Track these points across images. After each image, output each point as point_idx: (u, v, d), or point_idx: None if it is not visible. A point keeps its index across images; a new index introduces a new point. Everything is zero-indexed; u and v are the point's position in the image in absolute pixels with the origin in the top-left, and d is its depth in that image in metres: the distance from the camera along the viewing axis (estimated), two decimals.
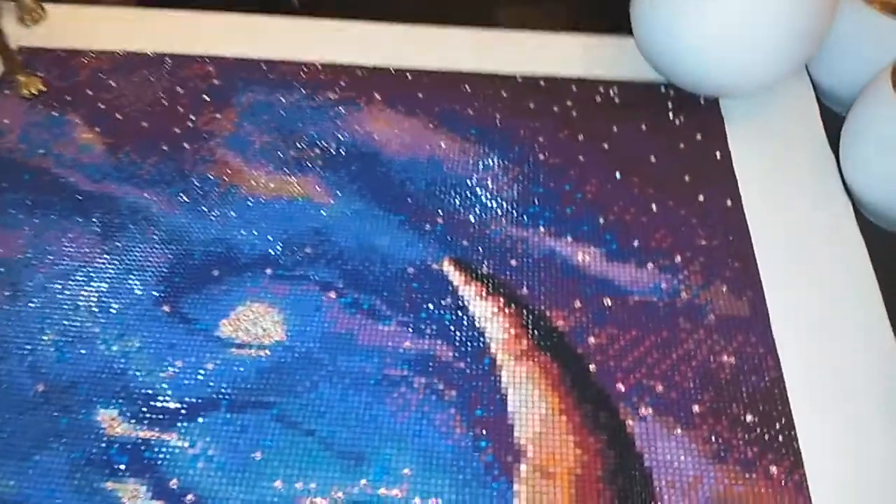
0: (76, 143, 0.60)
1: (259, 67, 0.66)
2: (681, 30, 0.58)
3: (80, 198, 0.56)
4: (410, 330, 0.50)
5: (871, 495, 0.43)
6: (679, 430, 0.46)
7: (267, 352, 0.49)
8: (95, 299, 0.51)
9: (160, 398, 0.46)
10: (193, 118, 0.62)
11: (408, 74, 0.66)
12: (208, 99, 0.63)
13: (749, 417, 0.46)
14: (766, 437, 0.45)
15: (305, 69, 0.66)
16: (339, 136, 0.61)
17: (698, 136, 0.62)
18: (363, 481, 0.43)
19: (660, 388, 0.47)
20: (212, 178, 0.58)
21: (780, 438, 0.45)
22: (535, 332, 0.50)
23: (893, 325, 0.50)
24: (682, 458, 0.44)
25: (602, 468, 0.44)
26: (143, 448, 0.44)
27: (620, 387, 0.47)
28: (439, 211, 0.56)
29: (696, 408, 0.47)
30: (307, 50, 0.68)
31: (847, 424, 0.46)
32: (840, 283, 0.53)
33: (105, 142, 0.60)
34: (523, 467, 0.44)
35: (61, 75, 0.65)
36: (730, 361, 0.49)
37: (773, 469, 0.44)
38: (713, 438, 0.45)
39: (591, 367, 0.48)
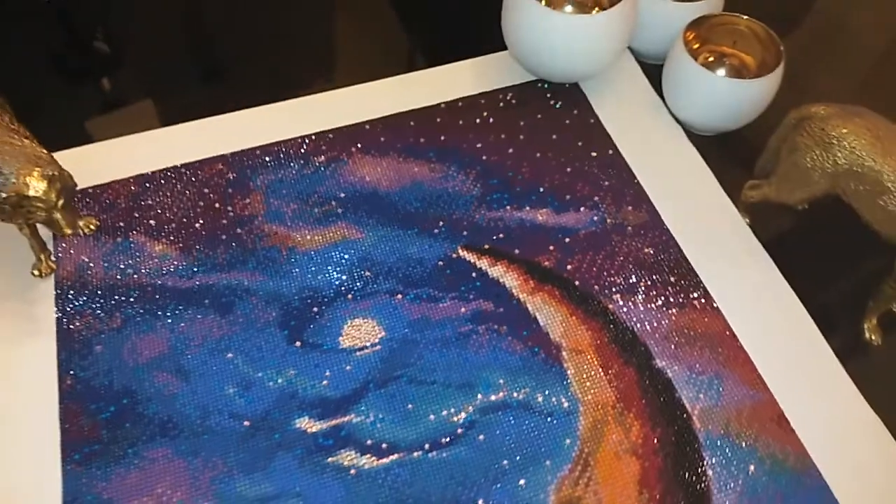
0: (154, 256, 0.78)
1: (255, 154, 0.86)
2: (541, 41, 0.85)
3: (184, 294, 0.76)
4: (459, 301, 0.75)
5: (761, 299, 0.76)
6: (638, 298, 0.75)
7: (378, 346, 0.73)
8: (243, 356, 0.72)
9: (328, 398, 0.69)
10: (230, 209, 0.82)
11: (366, 125, 0.89)
12: (232, 191, 0.83)
13: (672, 278, 0.77)
14: (684, 283, 0.76)
15: (290, 145, 0.87)
16: (341, 187, 0.84)
17: (575, 112, 0.90)
18: (479, 396, 0.70)
19: (618, 279, 0.77)
20: (271, 247, 0.79)
21: (693, 282, 0.77)
22: (534, 274, 0.77)
23: (722, 183, 0.83)
24: (646, 312, 0.74)
25: (608, 337, 0.73)
26: (338, 430, 0.67)
27: (596, 287, 0.76)
28: (437, 217, 0.81)
29: (642, 283, 0.76)
30: (281, 131, 0.88)
31: (727, 260, 0.78)
32: (689, 176, 0.84)
33: (175, 247, 0.79)
34: (564, 353, 0.72)
35: (104, 208, 0.81)
36: (649, 251, 0.79)
37: (696, 302, 0.75)
38: (657, 295, 0.75)
39: (576, 282, 0.77)
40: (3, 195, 0.63)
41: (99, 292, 0.75)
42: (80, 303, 0.75)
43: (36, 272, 0.76)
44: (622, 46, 0.88)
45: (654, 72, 0.92)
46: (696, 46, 0.87)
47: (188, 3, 1.05)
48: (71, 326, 0.73)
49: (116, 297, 0.75)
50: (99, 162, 0.85)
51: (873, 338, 0.74)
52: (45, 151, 0.67)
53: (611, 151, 0.87)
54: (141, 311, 0.74)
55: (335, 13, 1.07)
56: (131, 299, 0.75)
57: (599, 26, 0.84)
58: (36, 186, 0.63)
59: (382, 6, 1.05)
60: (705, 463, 0.66)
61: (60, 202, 0.64)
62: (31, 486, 0.65)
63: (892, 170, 0.66)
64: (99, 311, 0.74)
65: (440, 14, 1.04)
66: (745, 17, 0.85)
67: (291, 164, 0.85)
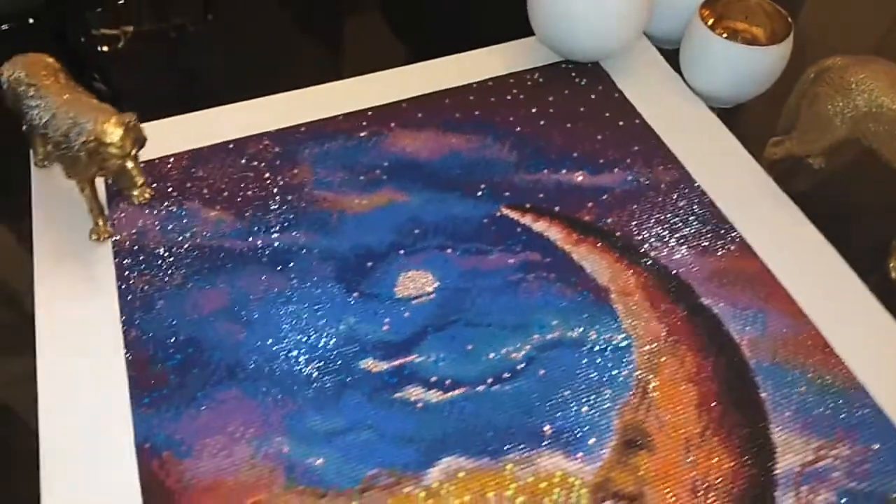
0: (209, 221, 0.81)
1: (299, 130, 0.90)
2: (568, 22, 0.91)
3: (241, 254, 0.78)
4: (507, 253, 0.78)
5: (793, 244, 0.80)
6: (677, 246, 0.79)
7: (433, 295, 0.75)
8: (303, 307, 0.74)
9: (390, 342, 0.71)
10: (279, 178, 0.85)
11: (402, 104, 0.93)
12: (279, 163, 0.86)
13: (708, 227, 0.81)
14: (720, 232, 0.80)
15: (330, 123, 0.91)
16: (385, 157, 0.87)
17: (599, 88, 0.96)
18: (535, 335, 0.72)
19: (656, 230, 0.80)
20: (322, 211, 0.82)
21: (728, 231, 0.80)
22: (576, 228, 0.81)
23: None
24: (687, 258, 0.78)
25: (653, 280, 0.76)
26: (401, 369, 0.69)
27: (637, 237, 0.80)
28: (479, 181, 0.85)
29: (679, 233, 0.80)
30: (321, 111, 0.92)
31: (757, 212, 0.82)
32: (714, 141, 0.89)
33: (229, 213, 0.81)
34: (612, 295, 0.75)
35: (157, 179, 0.84)
36: (682, 204, 0.83)
37: (732, 247, 0.79)
38: (696, 243, 0.79)
39: (617, 233, 0.80)
40: (82, 139, 0.65)
41: (156, 254, 0.77)
42: (139, 264, 0.76)
43: (94, 236, 0.77)
44: (642, 25, 0.94)
45: (667, 55, 0.99)
46: (710, 23, 0.93)
47: None
48: (131, 285, 0.75)
49: (174, 258, 0.77)
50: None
51: None
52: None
53: (637, 121, 0.92)
54: (199, 269, 0.76)
55: (365, 11, 1.13)
56: (189, 259, 0.77)
57: (622, 3, 0.90)
58: (113, 132, 0.65)
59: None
60: (758, 387, 0.69)
61: (134, 151, 0.67)
62: (104, 431, 0.65)
63: None
64: (158, 271, 0.76)
65: (469, 4, 1.10)
66: None
67: (334, 139, 0.89)
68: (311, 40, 1.05)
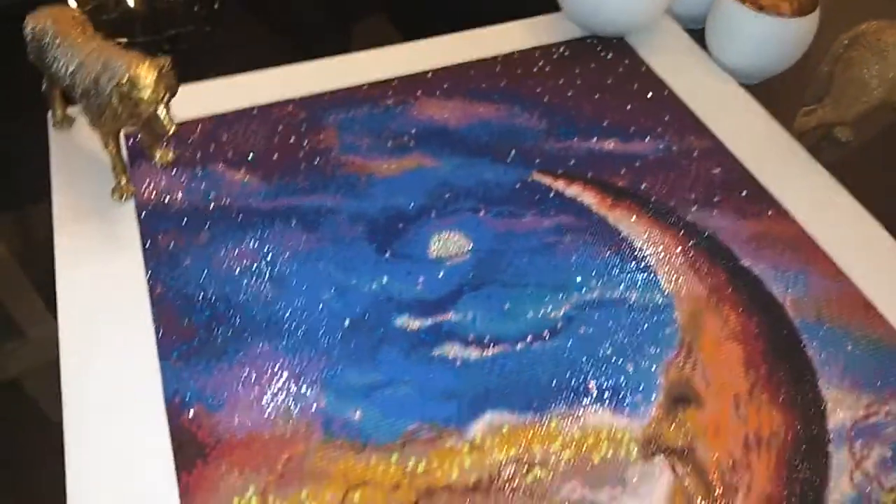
0: (235, 183, 0.78)
1: (324, 98, 0.88)
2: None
3: (269, 214, 0.76)
4: (541, 216, 0.77)
5: (828, 209, 0.79)
6: (714, 211, 0.78)
7: (467, 256, 0.73)
8: (335, 265, 0.71)
9: (425, 300, 0.69)
10: (305, 142, 0.83)
11: (428, 74, 0.92)
12: (305, 127, 0.84)
13: (744, 193, 0.79)
14: (756, 197, 0.79)
15: (356, 91, 0.89)
16: (412, 124, 0.86)
17: (626, 61, 0.95)
18: (574, 295, 0.70)
19: (692, 195, 0.79)
20: (350, 174, 0.80)
21: (764, 196, 0.79)
22: (610, 192, 0.79)
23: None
24: (724, 221, 0.76)
25: (691, 242, 0.75)
26: (438, 327, 0.67)
27: (672, 202, 0.79)
28: (509, 147, 0.84)
29: (715, 198, 0.79)
30: (346, 80, 0.91)
31: (791, 179, 0.81)
32: (744, 112, 0.88)
33: (255, 175, 0.79)
34: (651, 257, 0.73)
35: (180, 143, 0.82)
36: (717, 171, 0.82)
37: (770, 211, 0.78)
38: (732, 208, 0.78)
39: (652, 198, 0.79)
40: (115, 82, 0.63)
41: (181, 213, 0.75)
42: (164, 223, 0.74)
43: (117, 195, 0.75)
44: (666, 3, 0.94)
45: (692, 35, 0.98)
46: None
47: None
48: (156, 244, 0.72)
49: (200, 218, 0.75)
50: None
51: None
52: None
53: (666, 93, 0.91)
54: (226, 229, 0.74)
55: None
56: (215, 219, 0.75)
57: None
58: (147, 75, 0.63)
59: None
60: (804, 345, 0.67)
61: (166, 97, 0.65)
62: (130, 387, 0.62)
63: None
64: (183, 230, 0.74)
65: None
66: None
67: (360, 106, 0.87)
68: (334, 12, 1.04)
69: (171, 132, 0.66)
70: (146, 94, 0.64)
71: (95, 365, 0.64)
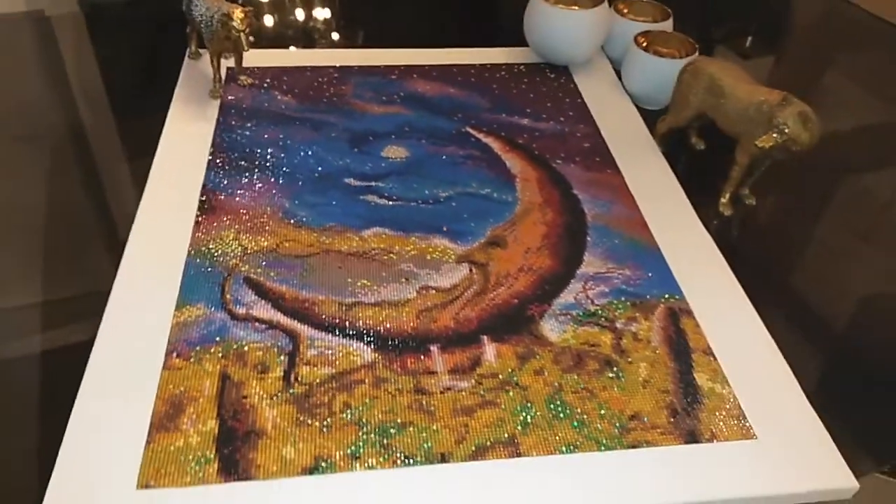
0: (281, 101, 1.27)
1: (353, 69, 1.37)
2: (549, 37, 1.34)
3: (295, 119, 1.23)
4: (459, 148, 1.19)
5: (651, 178, 1.16)
6: (571, 164, 1.17)
7: (404, 159, 1.16)
8: (323, 149, 1.17)
9: (366, 174, 1.13)
10: (332, 89, 1.31)
11: (424, 66, 1.38)
12: (336, 82, 1.33)
13: (598, 159, 1.18)
14: (605, 163, 1.18)
15: (375, 68, 1.37)
16: (403, 91, 1.32)
17: (562, 80, 1.38)
18: (458, 188, 1.11)
19: (562, 155, 1.19)
20: (353, 110, 1.26)
21: (611, 163, 1.18)
22: (510, 144, 1.21)
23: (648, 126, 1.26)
24: (575, 170, 1.16)
25: (547, 176, 1.14)
26: (369, 188, 1.10)
27: (548, 155, 1.19)
28: (457, 111, 1.27)
29: (578, 158, 1.18)
30: (372, 61, 1.39)
31: (635, 158, 1.19)
32: (626, 120, 1.27)
33: (295, 98, 1.28)
34: (517, 178, 1.14)
35: (255, 76, 1.32)
36: (586, 146, 1.21)
37: (609, 170, 1.16)
38: (586, 165, 1.17)
39: (536, 151, 1.19)
40: (220, 14, 1.14)
41: (244, 110, 1.24)
42: (233, 114, 1.23)
43: (211, 94, 1.25)
44: (601, 39, 1.37)
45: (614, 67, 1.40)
46: (644, 45, 1.34)
47: None
48: (227, 123, 1.21)
49: (253, 114, 1.23)
50: (251, 61, 1.37)
51: (726, 211, 1.12)
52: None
53: (578, 100, 1.32)
54: (266, 122, 1.22)
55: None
56: (262, 116, 1.23)
57: (585, 25, 1.33)
58: (237, 13, 1.13)
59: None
60: (587, 235, 1.04)
61: (247, 29, 1.15)
62: (181, 182, 1.10)
63: (729, 84, 1.09)
64: (243, 119, 1.22)
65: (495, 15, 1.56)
66: (675, 31, 1.33)
67: (374, 76, 1.35)
68: (365, 17, 1.54)
69: (247, 50, 1.15)
70: (236, 23, 1.14)
71: (167, 171, 1.12)
